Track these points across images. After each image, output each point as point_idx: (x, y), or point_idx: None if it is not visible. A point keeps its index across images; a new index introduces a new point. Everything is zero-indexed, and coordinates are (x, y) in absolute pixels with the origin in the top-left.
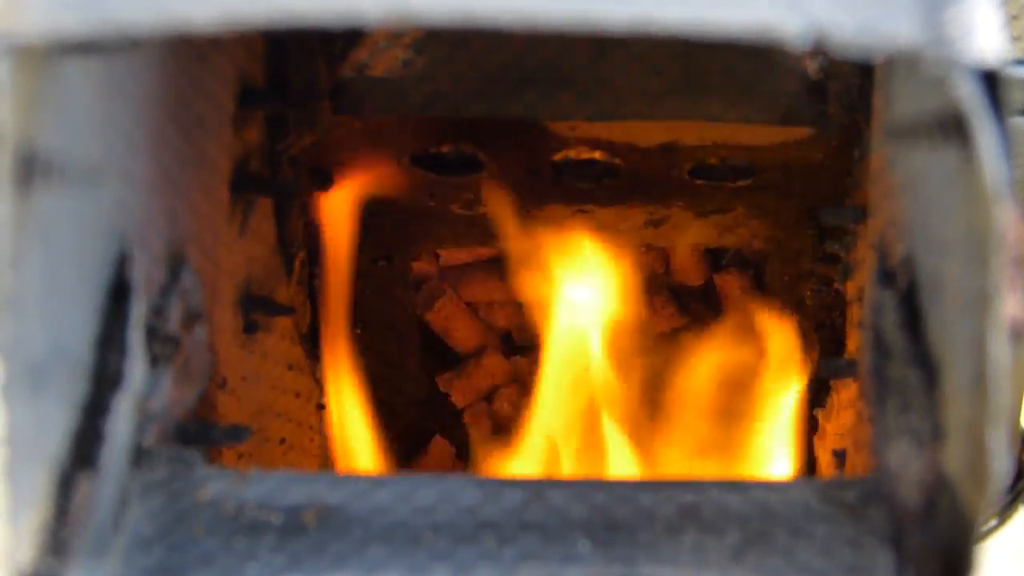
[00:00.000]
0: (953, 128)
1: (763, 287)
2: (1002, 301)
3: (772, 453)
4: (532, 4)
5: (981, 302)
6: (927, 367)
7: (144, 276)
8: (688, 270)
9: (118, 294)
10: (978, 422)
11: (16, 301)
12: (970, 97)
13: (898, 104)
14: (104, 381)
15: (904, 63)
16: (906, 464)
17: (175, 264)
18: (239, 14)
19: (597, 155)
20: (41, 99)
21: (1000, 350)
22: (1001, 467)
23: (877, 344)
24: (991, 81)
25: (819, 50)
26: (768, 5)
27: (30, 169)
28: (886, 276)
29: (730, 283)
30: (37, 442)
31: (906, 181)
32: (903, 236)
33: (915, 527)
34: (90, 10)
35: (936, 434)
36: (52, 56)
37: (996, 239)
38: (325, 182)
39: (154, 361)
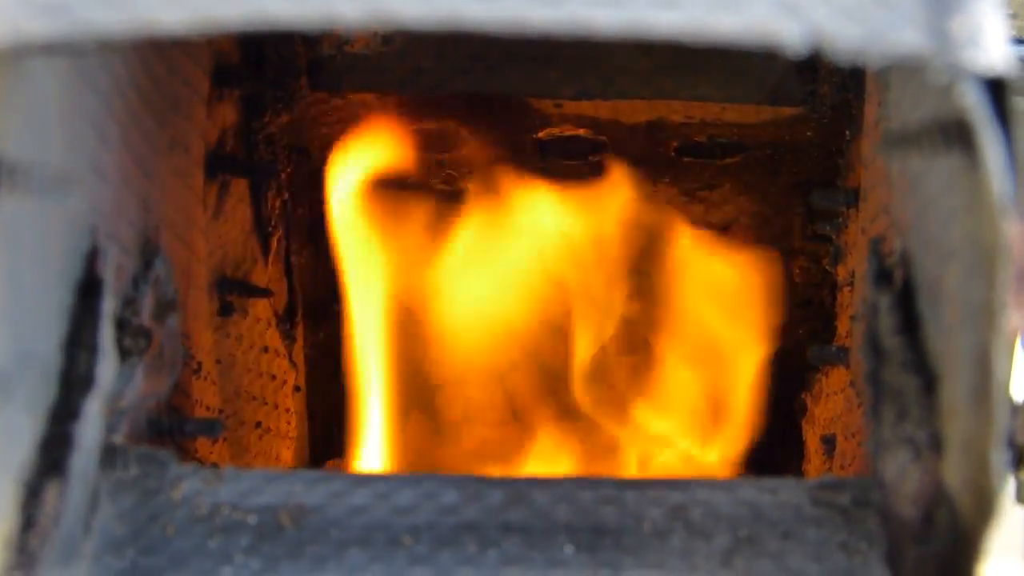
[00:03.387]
0: (955, 135)
1: None
2: (1008, 316)
3: None
4: (520, 8)
5: (985, 315)
6: (925, 374)
7: (115, 268)
8: None
9: (88, 290)
10: (980, 438)
11: None
12: (977, 106)
13: (894, 108)
14: (74, 384)
15: (902, 68)
16: (903, 475)
17: (147, 253)
18: (212, 16)
19: (582, 132)
20: (5, 102)
21: (1005, 366)
22: (1002, 485)
23: (872, 348)
24: (997, 89)
25: (819, 56)
26: (766, 11)
27: None
28: (882, 275)
29: None
30: (3, 453)
31: (902, 178)
32: (899, 231)
33: (912, 540)
34: (58, 15)
35: (934, 445)
36: (16, 57)
37: (1003, 252)
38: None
39: (125, 355)
